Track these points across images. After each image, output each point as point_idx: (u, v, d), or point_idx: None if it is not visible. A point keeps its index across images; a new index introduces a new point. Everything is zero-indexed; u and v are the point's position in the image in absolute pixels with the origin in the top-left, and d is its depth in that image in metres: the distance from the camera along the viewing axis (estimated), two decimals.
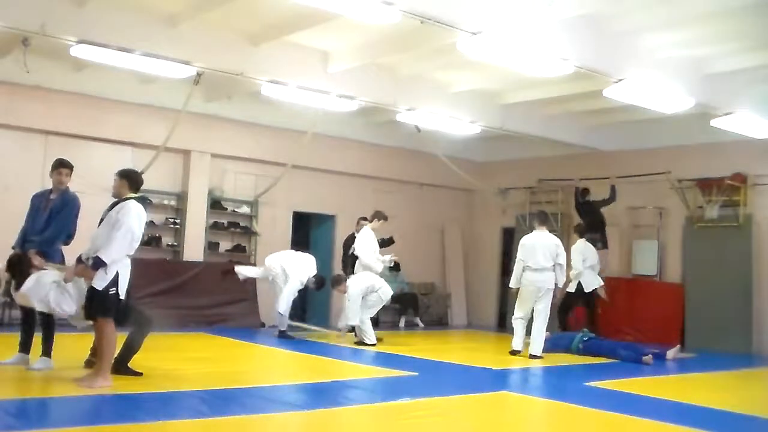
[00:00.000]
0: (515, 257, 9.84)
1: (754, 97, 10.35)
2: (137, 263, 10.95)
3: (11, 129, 10.56)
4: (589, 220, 12.57)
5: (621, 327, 12.70)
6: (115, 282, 6.06)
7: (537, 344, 9.50)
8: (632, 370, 9.05)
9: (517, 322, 9.73)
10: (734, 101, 10.19)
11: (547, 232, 9.88)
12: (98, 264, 5.94)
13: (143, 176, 10.20)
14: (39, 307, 6.29)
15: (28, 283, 6.22)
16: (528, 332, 9.66)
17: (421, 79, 10.98)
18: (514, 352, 9.67)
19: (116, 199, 6.32)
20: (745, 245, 11.85)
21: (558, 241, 9.80)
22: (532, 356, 9.42)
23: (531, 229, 10.32)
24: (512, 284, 9.81)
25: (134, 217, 6.12)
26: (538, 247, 9.61)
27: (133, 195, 6.32)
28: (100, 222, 6.27)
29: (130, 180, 6.39)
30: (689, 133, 11.93)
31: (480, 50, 7.88)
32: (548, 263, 9.56)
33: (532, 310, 9.60)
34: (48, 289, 6.15)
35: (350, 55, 9.77)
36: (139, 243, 6.27)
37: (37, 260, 6.51)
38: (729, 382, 8.93)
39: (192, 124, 11.27)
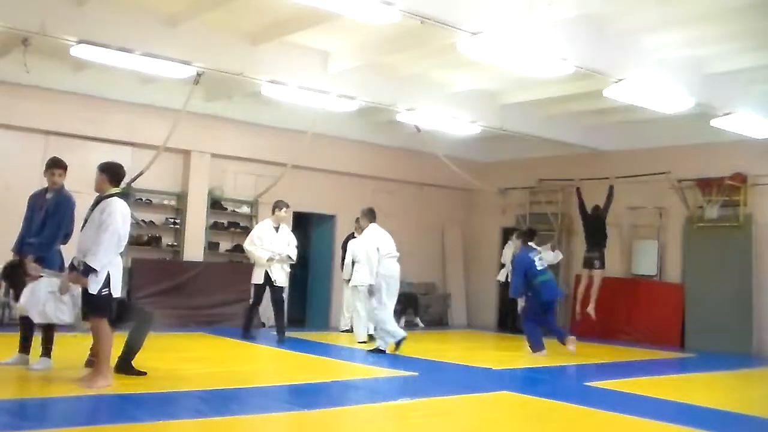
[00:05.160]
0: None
1: (754, 97, 10.35)
2: (137, 263, 11.11)
3: (11, 129, 10.56)
4: (592, 235, 12.56)
5: (621, 327, 12.72)
6: (107, 283, 6.04)
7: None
8: (632, 370, 9.06)
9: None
10: (734, 101, 10.19)
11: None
12: (89, 271, 5.92)
13: (143, 176, 10.43)
14: (38, 320, 6.29)
15: (24, 295, 6.21)
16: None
17: (421, 79, 10.98)
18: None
19: (98, 195, 6.24)
20: (745, 245, 11.85)
21: None
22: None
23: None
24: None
25: (119, 218, 6.04)
26: None
27: (116, 191, 6.24)
28: (84, 222, 6.20)
29: (111, 173, 6.27)
30: (689, 133, 11.93)
31: (480, 50, 7.87)
32: None
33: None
34: (44, 300, 6.15)
35: (350, 55, 9.76)
36: (126, 241, 6.22)
37: (32, 268, 6.49)
38: (729, 382, 8.93)
39: (192, 124, 11.26)
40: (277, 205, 10.61)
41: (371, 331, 10.45)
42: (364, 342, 10.43)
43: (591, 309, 12.18)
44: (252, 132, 12.57)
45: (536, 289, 9.94)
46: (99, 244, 5.91)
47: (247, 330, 10.40)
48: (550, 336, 10.14)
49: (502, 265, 13.83)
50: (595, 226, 12.52)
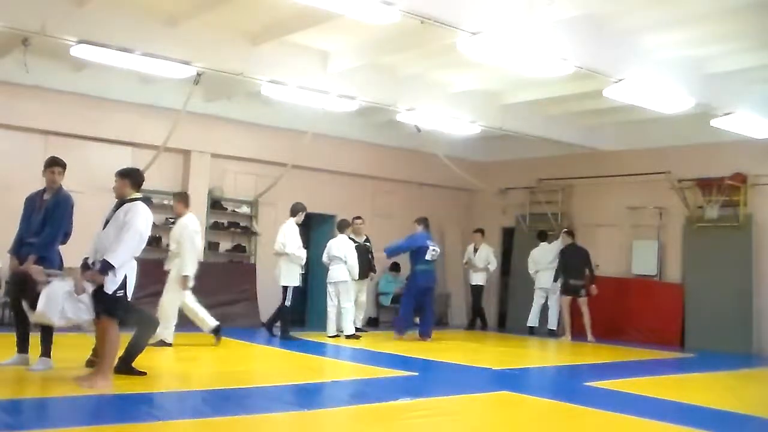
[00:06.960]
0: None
1: (754, 97, 10.36)
2: (137, 263, 11.07)
3: (11, 129, 10.56)
4: (573, 262, 12.54)
5: (621, 327, 12.72)
6: (123, 285, 6.06)
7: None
8: (632, 370, 9.06)
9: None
10: (734, 101, 10.19)
11: None
12: (107, 267, 5.92)
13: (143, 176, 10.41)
14: (60, 323, 6.16)
15: (41, 301, 6.11)
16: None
17: (421, 79, 10.98)
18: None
19: (120, 200, 6.28)
20: (745, 245, 11.85)
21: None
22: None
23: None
24: None
25: (142, 219, 6.11)
26: None
27: (138, 195, 6.31)
28: (105, 223, 6.22)
29: (132, 179, 6.36)
30: (689, 133, 11.93)
31: (480, 50, 7.87)
32: None
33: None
34: (62, 300, 6.06)
35: (350, 55, 9.77)
36: (145, 244, 6.24)
37: (34, 270, 6.46)
38: (729, 382, 8.92)
39: (192, 124, 11.27)
40: (303, 210, 10.85)
41: (358, 324, 11.64)
42: (333, 335, 11.00)
43: (590, 338, 12.28)
44: (252, 132, 12.57)
45: (416, 273, 11.33)
46: (120, 242, 5.95)
47: (287, 332, 10.57)
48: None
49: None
50: (577, 255, 12.50)
